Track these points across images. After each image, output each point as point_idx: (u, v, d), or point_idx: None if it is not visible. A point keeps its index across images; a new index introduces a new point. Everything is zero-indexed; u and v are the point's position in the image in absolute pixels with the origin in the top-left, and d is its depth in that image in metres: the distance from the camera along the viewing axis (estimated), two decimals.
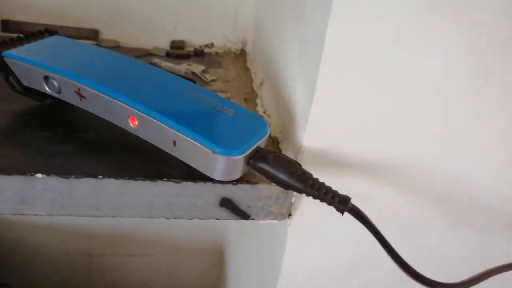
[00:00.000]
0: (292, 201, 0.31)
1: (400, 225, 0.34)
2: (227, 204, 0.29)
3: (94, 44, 0.48)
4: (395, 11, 0.26)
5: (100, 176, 0.27)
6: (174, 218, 0.29)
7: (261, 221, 0.31)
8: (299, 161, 0.30)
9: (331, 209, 0.27)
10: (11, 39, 0.33)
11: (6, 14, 0.50)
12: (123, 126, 0.29)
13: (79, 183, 0.27)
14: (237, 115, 0.29)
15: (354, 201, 0.27)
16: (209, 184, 0.28)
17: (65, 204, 0.28)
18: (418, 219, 0.34)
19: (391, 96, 0.29)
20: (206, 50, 0.54)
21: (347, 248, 0.35)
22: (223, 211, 0.30)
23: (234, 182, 0.29)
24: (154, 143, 0.29)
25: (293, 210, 0.32)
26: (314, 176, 0.27)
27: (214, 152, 0.26)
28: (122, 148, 0.31)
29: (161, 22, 0.53)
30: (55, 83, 0.31)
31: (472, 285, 0.29)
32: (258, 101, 0.42)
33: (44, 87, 0.32)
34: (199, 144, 0.26)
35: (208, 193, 0.29)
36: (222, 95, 0.32)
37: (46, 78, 0.31)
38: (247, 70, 0.50)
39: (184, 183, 0.28)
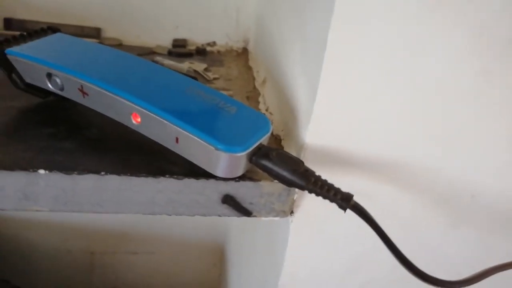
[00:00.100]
0: (295, 198, 0.31)
1: (401, 224, 0.34)
2: (229, 201, 0.29)
3: (97, 43, 0.48)
4: (396, 11, 0.26)
5: (102, 173, 0.28)
6: (176, 215, 0.29)
7: (263, 218, 0.31)
8: (302, 158, 0.30)
9: (333, 206, 0.27)
10: (14, 37, 0.33)
11: (8, 12, 0.50)
12: (125, 123, 0.30)
13: (82, 179, 0.27)
14: (240, 112, 0.29)
15: (357, 200, 0.27)
16: (212, 181, 0.28)
17: (68, 201, 0.28)
18: (420, 218, 0.34)
19: (392, 95, 0.29)
20: (208, 48, 0.54)
21: (349, 246, 0.35)
22: (225, 208, 0.30)
23: (237, 179, 0.29)
24: (156, 140, 0.29)
25: (295, 208, 0.32)
26: (317, 174, 0.27)
27: (217, 149, 0.26)
28: (124, 145, 0.31)
29: (164, 21, 0.53)
30: (58, 80, 0.31)
31: (473, 283, 0.29)
32: (260, 99, 0.42)
33: (47, 84, 0.32)
34: (201, 141, 0.27)
35: (210, 190, 0.29)
36: (224, 93, 0.32)
37: (49, 75, 0.31)
38: (249, 68, 0.50)
39: (186, 180, 0.28)
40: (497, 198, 0.34)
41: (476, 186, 0.33)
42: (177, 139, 0.28)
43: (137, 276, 0.79)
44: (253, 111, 0.30)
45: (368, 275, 0.37)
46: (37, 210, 0.28)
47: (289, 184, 0.27)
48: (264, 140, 0.29)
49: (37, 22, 0.50)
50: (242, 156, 0.27)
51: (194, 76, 0.46)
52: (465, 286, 0.29)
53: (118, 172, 0.28)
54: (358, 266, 0.36)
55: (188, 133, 0.27)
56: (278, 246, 0.36)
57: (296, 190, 0.31)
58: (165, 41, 0.54)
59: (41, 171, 0.27)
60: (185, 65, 0.48)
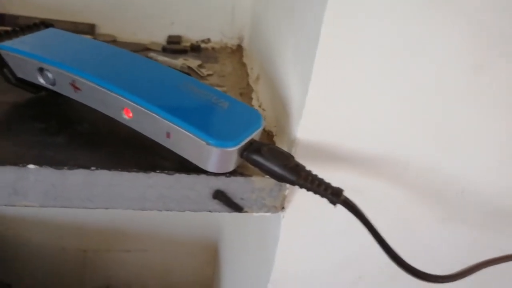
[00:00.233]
0: (286, 193, 0.31)
1: (392, 219, 0.34)
2: (220, 196, 0.29)
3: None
4: (388, 7, 0.26)
5: (93, 168, 0.27)
6: (167, 210, 0.29)
7: (255, 214, 0.31)
8: (293, 154, 0.30)
9: (325, 202, 0.27)
10: (6, 32, 0.33)
11: (2, 7, 0.50)
12: (117, 118, 0.29)
13: (72, 174, 0.27)
14: (232, 107, 0.29)
15: (347, 195, 0.27)
16: (203, 176, 0.28)
17: (58, 196, 0.28)
18: (411, 213, 0.35)
19: (384, 91, 0.29)
20: (203, 45, 0.54)
21: (341, 241, 0.35)
22: (216, 204, 0.30)
23: (228, 175, 0.29)
24: (148, 135, 0.29)
25: (286, 203, 0.32)
26: (307, 169, 0.27)
27: (208, 144, 0.26)
28: (116, 140, 0.31)
29: (158, 17, 0.53)
30: (50, 75, 0.31)
31: (462, 277, 0.29)
32: (253, 95, 0.42)
33: (38, 78, 0.32)
34: (193, 136, 0.27)
35: (201, 185, 0.29)
36: (218, 89, 0.32)
37: (41, 70, 0.31)
38: (243, 65, 0.50)
39: (177, 175, 0.28)
40: (486, 194, 0.34)
41: (466, 182, 0.34)
42: (168, 134, 0.28)
43: (130, 274, 0.78)
44: (245, 106, 0.30)
45: (360, 270, 0.37)
46: (26, 206, 0.28)
47: (280, 179, 0.27)
48: (255, 135, 0.29)
49: (31, 18, 0.50)
50: (233, 151, 0.27)
51: (188, 72, 0.46)
52: (455, 280, 0.29)
53: (109, 167, 0.28)
54: (350, 261, 0.36)
55: (179, 128, 0.27)
56: (269, 242, 0.37)
57: (287, 185, 0.31)
58: (160, 38, 0.54)
59: (31, 166, 0.27)
60: (179, 61, 0.48)
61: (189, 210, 0.30)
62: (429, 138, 0.31)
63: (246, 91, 0.43)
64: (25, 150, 0.28)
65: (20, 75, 0.33)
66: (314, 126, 0.29)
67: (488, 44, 0.28)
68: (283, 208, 0.32)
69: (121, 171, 0.28)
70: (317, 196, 0.27)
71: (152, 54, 0.49)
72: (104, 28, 0.53)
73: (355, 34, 0.27)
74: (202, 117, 0.28)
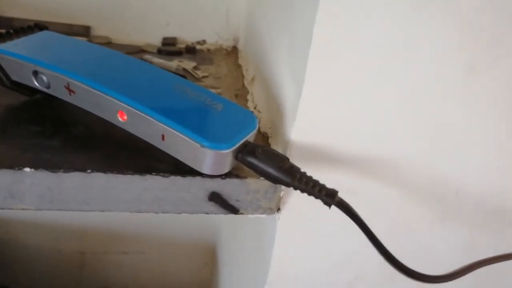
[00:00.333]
0: (281, 195, 0.31)
1: (388, 220, 0.34)
2: (216, 198, 0.29)
3: (86, 40, 0.48)
4: (381, 7, 0.26)
5: (89, 170, 0.28)
6: (163, 213, 0.29)
7: (250, 216, 0.31)
8: (288, 155, 0.30)
9: (320, 203, 0.27)
10: (1, 34, 0.33)
11: None
12: (112, 121, 0.29)
13: (68, 177, 0.27)
14: (226, 109, 0.30)
15: (343, 196, 0.27)
16: (198, 178, 0.29)
17: (54, 199, 0.28)
18: (406, 214, 0.35)
19: (378, 92, 0.29)
20: (198, 47, 0.54)
21: (336, 242, 0.35)
22: (212, 206, 0.30)
23: (223, 177, 0.29)
24: (143, 138, 0.29)
25: (282, 205, 0.32)
26: (302, 170, 0.28)
27: (203, 146, 0.26)
28: (111, 142, 0.31)
29: (153, 19, 0.53)
30: (44, 78, 0.31)
31: (458, 277, 0.29)
32: (248, 97, 0.42)
33: (33, 81, 0.32)
34: (187, 138, 0.27)
35: (196, 188, 0.29)
36: (213, 91, 0.32)
37: (35, 73, 0.31)
38: (239, 67, 0.51)
39: (172, 177, 0.28)
40: (482, 194, 0.34)
41: (461, 183, 0.34)
42: (163, 137, 0.28)
43: (127, 276, 0.78)
44: (240, 108, 0.30)
45: (356, 271, 0.37)
46: (22, 209, 0.28)
47: (275, 181, 0.27)
48: (250, 137, 0.29)
49: (25, 20, 0.50)
50: (228, 153, 0.27)
51: (183, 74, 0.46)
52: (450, 280, 0.29)
53: (105, 170, 0.28)
54: (346, 262, 0.36)
55: (174, 131, 0.27)
56: (266, 244, 0.37)
57: (283, 187, 0.31)
58: (155, 40, 0.54)
59: (27, 169, 0.27)
60: (174, 63, 0.48)
61: (185, 212, 0.30)
62: (424, 139, 0.31)
63: (242, 93, 0.43)
64: (21, 153, 0.28)
65: (14, 78, 0.33)
66: (308, 127, 0.30)
67: (485, 45, 0.28)
68: (278, 209, 0.32)
69: (116, 174, 0.28)
70: (312, 198, 0.27)
71: (147, 56, 0.49)
72: (99, 30, 0.53)
73: (348, 35, 0.27)
74: (196, 120, 0.28)
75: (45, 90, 0.32)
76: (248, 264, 0.46)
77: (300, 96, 0.28)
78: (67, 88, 0.30)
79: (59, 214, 0.70)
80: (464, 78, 0.29)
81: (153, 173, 0.28)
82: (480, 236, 0.37)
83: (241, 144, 0.28)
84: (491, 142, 0.32)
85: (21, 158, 0.28)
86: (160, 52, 0.51)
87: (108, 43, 0.52)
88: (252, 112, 0.38)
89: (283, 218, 0.33)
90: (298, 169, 0.27)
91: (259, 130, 0.35)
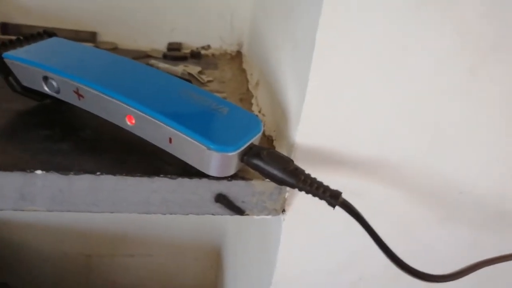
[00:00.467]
0: (286, 196, 0.32)
1: (391, 221, 0.35)
2: (222, 200, 0.30)
3: (93, 46, 0.49)
4: (382, 10, 0.27)
5: (98, 173, 0.28)
6: (170, 214, 0.30)
7: (255, 217, 0.32)
8: (292, 158, 0.30)
9: (324, 204, 0.28)
10: (11, 41, 0.34)
11: (5, 17, 0.51)
12: (120, 125, 0.30)
13: (78, 179, 0.28)
14: (232, 113, 0.30)
15: (346, 197, 0.28)
16: (205, 180, 0.29)
17: (64, 201, 0.29)
18: (410, 215, 0.35)
19: (380, 94, 0.30)
20: (203, 52, 0.55)
21: (340, 243, 0.36)
22: (218, 207, 0.30)
23: (229, 178, 0.29)
24: (150, 141, 0.30)
25: (286, 206, 0.32)
26: (307, 172, 0.28)
27: (209, 149, 0.27)
28: (119, 146, 0.32)
29: (158, 25, 0.54)
30: (54, 83, 0.32)
31: (461, 277, 0.30)
32: (253, 101, 0.43)
33: (43, 87, 0.32)
34: (194, 141, 0.27)
35: (203, 189, 0.29)
36: (218, 95, 0.32)
37: (45, 79, 0.32)
38: (243, 71, 0.51)
39: (180, 179, 0.29)
40: (484, 194, 0.35)
41: (464, 183, 0.34)
42: (170, 140, 0.28)
43: (133, 279, 0.79)
44: (245, 112, 0.31)
45: (360, 272, 0.38)
46: (34, 210, 0.28)
47: (280, 182, 0.28)
48: (255, 140, 0.29)
49: (33, 27, 0.51)
50: (233, 155, 0.28)
51: (189, 79, 0.46)
52: (454, 280, 0.30)
53: (114, 172, 0.28)
54: (350, 263, 0.37)
55: (181, 134, 0.28)
56: (271, 245, 0.37)
57: (287, 188, 0.31)
58: (160, 45, 0.55)
59: (38, 172, 0.27)
60: (179, 68, 0.48)
61: (192, 213, 0.30)
62: (427, 140, 0.32)
63: (246, 97, 0.44)
64: (32, 156, 0.29)
65: (25, 83, 0.34)
66: (312, 130, 0.30)
67: (485, 45, 0.29)
68: (283, 211, 0.33)
69: (125, 176, 0.28)
70: (316, 199, 0.28)
71: (153, 61, 0.50)
72: (105, 36, 0.54)
73: (350, 39, 0.27)
74: (203, 123, 0.28)
75: (54, 95, 0.32)
76: (253, 265, 0.46)
77: (304, 100, 0.29)
78: (77, 93, 0.31)
79: (66, 217, 0.70)
80: (467, 79, 0.30)
81: (161, 175, 0.29)
82: (482, 237, 0.37)
83: (247, 146, 0.28)
84: (492, 143, 0.33)
85: (32, 161, 0.28)
86: (165, 57, 0.52)
87: (114, 49, 0.53)
88: (257, 115, 0.39)
89: (288, 219, 0.33)
90: (302, 171, 0.28)
91: (264, 133, 0.35)
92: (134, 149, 0.31)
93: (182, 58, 0.52)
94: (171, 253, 0.77)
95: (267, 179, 0.29)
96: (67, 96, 0.32)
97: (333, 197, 0.27)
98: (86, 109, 0.31)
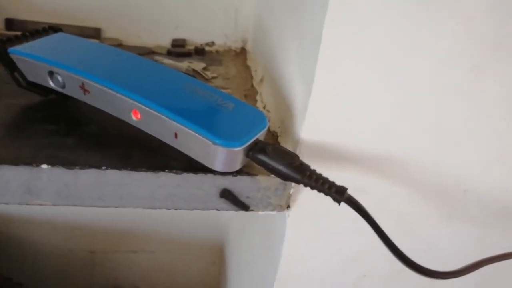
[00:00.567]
0: (291, 192, 0.32)
1: (396, 218, 0.35)
2: (227, 195, 0.30)
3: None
4: (390, 7, 0.27)
5: (103, 168, 0.28)
6: (175, 209, 0.30)
7: (260, 212, 0.32)
8: (298, 154, 0.30)
9: (329, 201, 0.28)
10: (17, 36, 0.34)
11: (10, 12, 0.51)
12: (126, 119, 0.30)
13: (84, 173, 0.28)
14: (237, 108, 0.30)
15: (351, 194, 0.28)
16: (210, 175, 0.29)
17: (70, 195, 0.29)
18: (415, 212, 0.35)
19: (386, 91, 0.30)
20: (207, 48, 0.55)
21: (345, 239, 0.36)
22: (223, 202, 0.30)
23: (234, 174, 0.29)
24: (156, 136, 0.30)
25: (291, 202, 0.32)
26: (312, 168, 0.28)
27: (215, 144, 0.27)
28: (125, 141, 0.32)
29: (163, 21, 0.54)
30: (60, 78, 0.32)
31: (466, 274, 0.30)
32: (258, 97, 0.43)
33: (48, 82, 0.32)
34: (200, 136, 0.27)
35: (208, 184, 0.30)
36: (223, 91, 0.33)
37: (51, 73, 0.32)
38: (247, 67, 0.51)
39: (185, 175, 0.29)
40: (489, 192, 0.35)
41: (469, 181, 0.34)
42: (176, 135, 0.28)
43: (137, 275, 0.79)
44: (250, 107, 0.31)
45: (364, 269, 0.38)
46: (40, 204, 0.29)
47: (285, 178, 0.28)
48: (260, 135, 0.29)
49: (38, 23, 0.51)
50: (239, 150, 0.28)
51: (193, 75, 0.46)
52: (458, 276, 0.30)
53: (119, 167, 0.29)
54: (355, 259, 0.37)
55: (186, 129, 0.28)
56: (275, 241, 0.37)
57: (292, 184, 0.31)
58: (165, 41, 0.55)
59: (44, 166, 0.28)
60: (184, 64, 0.48)
61: (197, 209, 0.30)
62: (432, 137, 0.32)
63: (251, 93, 0.44)
64: (37, 150, 0.29)
65: (31, 78, 0.34)
66: (317, 126, 0.30)
67: (488, 45, 0.29)
68: (288, 206, 0.33)
69: (130, 171, 0.28)
70: (322, 195, 0.28)
71: (157, 58, 0.50)
72: (110, 32, 0.54)
73: (356, 35, 0.27)
74: (208, 118, 0.29)
75: (60, 90, 0.32)
76: (257, 262, 0.46)
77: (310, 96, 0.29)
78: (82, 87, 0.31)
79: (70, 213, 0.70)
80: (469, 77, 0.30)
81: (166, 170, 0.29)
82: (487, 234, 0.37)
83: (252, 142, 0.28)
84: (497, 141, 0.33)
85: (38, 156, 0.28)
86: (170, 54, 0.52)
87: (119, 45, 0.53)
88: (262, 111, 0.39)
89: (293, 215, 0.33)
90: (307, 167, 0.28)
91: (268, 129, 0.35)
92: (139, 144, 0.31)
93: (187, 55, 0.52)
94: (174, 249, 0.77)
95: (272, 175, 0.29)
96: (73, 91, 0.32)
97: (338, 193, 0.27)
98: (91, 104, 0.31)
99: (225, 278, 0.73)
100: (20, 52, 0.33)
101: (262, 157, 0.28)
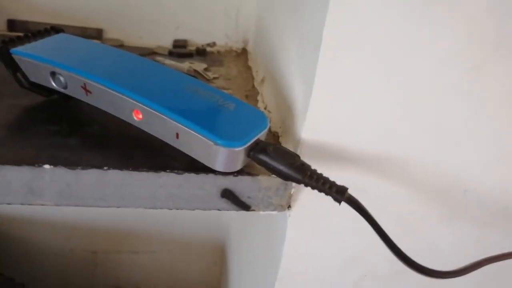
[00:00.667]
0: (292, 192, 0.32)
1: (396, 218, 0.35)
2: (228, 195, 0.30)
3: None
4: (389, 9, 0.27)
5: (105, 168, 0.28)
6: (177, 209, 0.30)
7: (261, 212, 0.32)
8: (298, 154, 0.30)
9: (330, 200, 0.28)
10: (19, 37, 0.34)
11: (12, 13, 0.51)
12: (127, 120, 0.30)
13: (86, 174, 0.28)
14: (238, 109, 0.30)
15: (352, 194, 0.28)
16: (211, 175, 0.29)
17: (72, 195, 0.29)
18: (415, 212, 0.35)
19: (386, 91, 0.30)
20: (208, 49, 0.55)
21: (346, 239, 0.36)
22: (224, 202, 0.31)
23: (235, 174, 0.30)
24: (157, 136, 0.30)
25: (292, 202, 0.33)
26: (313, 168, 0.28)
27: (216, 144, 0.27)
28: (126, 141, 0.32)
29: (164, 22, 0.54)
30: (62, 79, 0.32)
31: (466, 273, 0.30)
32: (259, 97, 0.43)
33: (51, 82, 0.33)
34: (201, 136, 0.27)
35: (209, 185, 0.30)
36: (224, 91, 0.33)
37: (53, 74, 0.32)
38: (249, 68, 0.51)
39: (186, 175, 0.29)
40: (489, 192, 0.35)
41: (469, 181, 0.34)
42: (177, 135, 0.29)
43: (138, 275, 0.79)
44: (251, 108, 0.31)
45: (365, 268, 0.38)
46: (42, 204, 0.29)
47: (286, 178, 0.28)
48: (261, 135, 0.29)
49: (40, 23, 0.51)
50: (240, 150, 0.28)
51: (194, 75, 0.47)
52: (458, 276, 0.30)
53: (121, 167, 0.29)
54: (355, 259, 0.37)
55: (188, 129, 0.28)
56: (276, 241, 0.37)
57: (293, 184, 0.31)
58: (166, 42, 0.55)
59: (46, 166, 0.28)
60: (185, 65, 0.49)
61: (198, 209, 0.30)
62: (432, 137, 0.32)
63: (252, 94, 0.44)
64: (40, 151, 0.29)
65: (33, 79, 0.34)
66: (318, 126, 0.30)
67: (488, 45, 0.29)
68: (289, 206, 0.33)
69: (132, 171, 0.29)
70: (322, 195, 0.28)
71: (159, 58, 0.50)
72: (112, 33, 0.54)
73: (357, 35, 0.27)
74: (209, 118, 0.29)
75: (62, 90, 0.33)
76: (258, 262, 0.46)
77: (310, 96, 0.29)
78: (84, 88, 0.31)
79: (72, 213, 0.71)
80: (469, 77, 0.30)
81: (168, 171, 0.29)
82: (487, 234, 0.37)
83: (253, 142, 0.28)
84: (497, 141, 0.33)
85: (40, 156, 0.29)
86: (171, 54, 0.52)
87: (120, 46, 0.53)
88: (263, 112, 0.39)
89: (294, 215, 0.33)
90: (308, 166, 0.28)
91: (270, 130, 0.36)
92: (141, 145, 0.31)
93: (188, 55, 0.52)
94: (175, 249, 0.78)
95: (273, 175, 0.29)
96: (75, 92, 0.32)
97: (339, 193, 0.27)
98: (93, 105, 0.32)
99: (226, 278, 0.73)
100: (22, 53, 0.33)
101: (263, 157, 0.28)
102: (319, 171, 0.28)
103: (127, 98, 0.29)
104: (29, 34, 0.35)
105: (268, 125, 0.30)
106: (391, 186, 0.33)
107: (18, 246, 0.72)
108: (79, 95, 0.32)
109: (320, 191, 0.28)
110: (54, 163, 0.28)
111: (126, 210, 0.30)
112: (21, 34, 0.35)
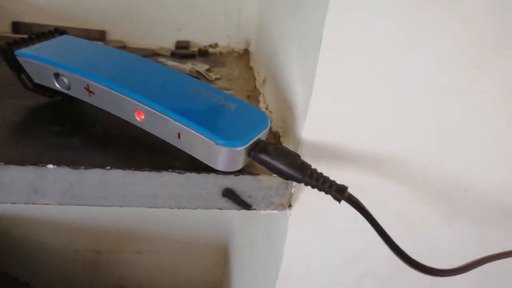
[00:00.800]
0: (292, 191, 0.32)
1: (397, 217, 0.35)
2: (230, 194, 0.31)
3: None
4: (389, 9, 0.27)
5: (108, 167, 0.29)
6: (178, 208, 0.31)
7: (262, 211, 0.32)
8: (299, 153, 0.31)
9: (330, 200, 0.28)
10: (23, 39, 0.35)
11: (16, 16, 0.52)
12: (129, 120, 0.31)
13: (89, 173, 0.29)
14: (239, 109, 0.31)
15: (352, 192, 0.28)
16: (212, 175, 0.30)
17: (75, 194, 0.29)
18: (415, 211, 0.35)
19: (386, 91, 0.30)
20: (210, 50, 0.56)
21: (347, 238, 0.36)
22: (225, 201, 0.31)
23: (236, 173, 0.30)
24: (159, 136, 0.30)
25: (293, 201, 0.33)
26: (313, 167, 0.28)
27: (217, 144, 0.27)
28: (128, 141, 0.32)
29: (166, 23, 0.55)
30: (65, 80, 0.32)
31: (465, 272, 0.30)
32: (260, 98, 0.43)
33: (54, 83, 0.33)
34: (202, 136, 0.28)
35: (211, 184, 0.30)
36: (225, 92, 0.33)
37: (57, 75, 0.33)
38: (250, 69, 0.52)
39: (188, 174, 0.29)
40: (490, 192, 0.35)
41: (470, 180, 0.34)
42: (179, 135, 0.29)
43: (141, 275, 0.80)
44: (252, 108, 0.32)
45: (366, 267, 0.38)
46: (45, 204, 0.29)
47: (286, 177, 0.28)
48: (262, 135, 0.30)
49: (44, 25, 0.52)
50: (241, 150, 0.28)
51: (197, 76, 0.47)
52: (457, 274, 0.30)
53: (123, 167, 0.29)
54: (356, 258, 0.37)
55: (189, 129, 0.28)
56: (277, 240, 0.38)
57: (294, 183, 0.32)
58: (168, 43, 0.55)
59: (50, 166, 0.28)
60: (187, 66, 0.49)
61: (200, 208, 0.31)
62: (432, 137, 0.32)
63: (253, 94, 0.44)
64: (43, 151, 0.30)
65: (37, 80, 0.34)
66: (318, 126, 0.30)
67: (488, 45, 0.29)
68: (290, 205, 0.33)
69: (134, 171, 0.29)
70: (323, 194, 0.28)
71: (161, 59, 0.50)
72: (114, 34, 0.54)
73: (356, 36, 0.28)
74: (211, 119, 0.29)
75: (65, 91, 0.33)
76: (259, 261, 0.47)
77: (310, 96, 0.29)
78: (87, 89, 0.32)
79: (75, 213, 0.71)
80: (469, 77, 0.30)
81: (170, 170, 0.29)
82: (488, 234, 0.37)
83: (254, 142, 0.29)
84: (497, 141, 0.33)
85: (44, 156, 0.29)
86: (173, 55, 0.52)
87: (123, 47, 0.54)
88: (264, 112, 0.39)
89: (295, 214, 0.33)
90: (309, 166, 0.28)
91: (270, 130, 0.36)
92: (143, 145, 0.32)
93: (190, 56, 0.53)
94: (178, 249, 0.78)
95: (274, 174, 0.29)
96: (78, 93, 0.32)
97: (339, 192, 0.27)
98: (96, 105, 0.32)
99: (228, 278, 0.74)
100: (26, 55, 0.33)
101: (263, 156, 0.28)
102: (319, 171, 0.28)
103: (130, 99, 0.29)
104: (33, 36, 0.35)
105: (269, 125, 0.30)
106: (391, 185, 0.34)
107: (22, 245, 0.73)
108: (82, 96, 0.32)
109: (320, 190, 0.28)
110: (58, 163, 0.28)
111: (130, 211, 0.31)
112: (25, 36, 0.35)
